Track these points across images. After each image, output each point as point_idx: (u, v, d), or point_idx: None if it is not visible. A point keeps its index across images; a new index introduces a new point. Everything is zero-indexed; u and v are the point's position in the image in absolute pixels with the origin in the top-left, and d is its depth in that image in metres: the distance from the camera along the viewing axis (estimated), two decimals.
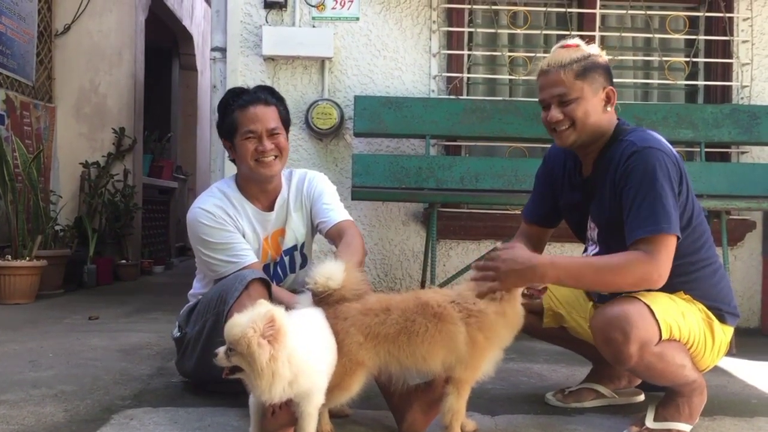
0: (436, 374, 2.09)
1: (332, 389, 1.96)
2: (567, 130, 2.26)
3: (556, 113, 2.25)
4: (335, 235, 2.62)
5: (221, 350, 1.80)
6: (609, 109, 2.29)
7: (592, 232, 2.40)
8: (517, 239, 2.62)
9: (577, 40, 2.32)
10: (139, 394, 2.64)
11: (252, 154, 2.55)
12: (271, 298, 2.34)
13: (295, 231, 2.73)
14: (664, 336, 2.10)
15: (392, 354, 2.01)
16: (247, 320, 1.76)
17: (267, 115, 2.58)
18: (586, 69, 2.23)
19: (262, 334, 1.73)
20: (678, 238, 2.10)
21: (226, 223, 2.56)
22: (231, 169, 2.81)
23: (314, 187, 2.75)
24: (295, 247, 2.75)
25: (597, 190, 2.31)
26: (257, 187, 2.67)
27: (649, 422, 2.22)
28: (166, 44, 9.28)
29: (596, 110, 2.25)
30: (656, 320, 2.08)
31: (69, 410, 2.41)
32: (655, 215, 2.08)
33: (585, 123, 2.24)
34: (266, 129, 2.56)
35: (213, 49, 4.47)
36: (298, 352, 1.79)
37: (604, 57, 2.30)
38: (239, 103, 2.58)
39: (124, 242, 6.70)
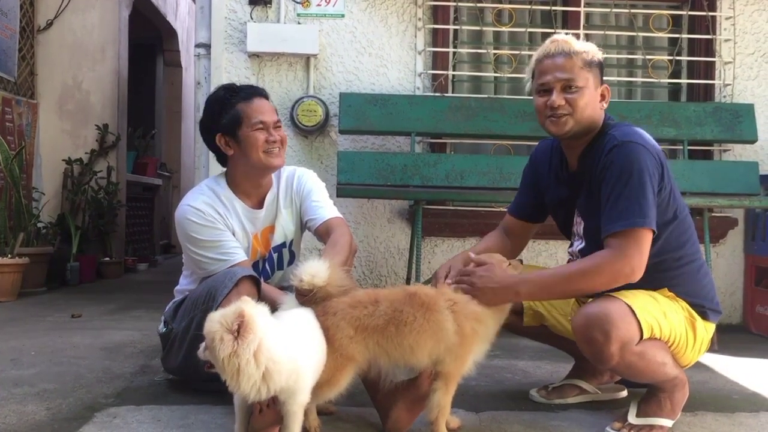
0: (423, 366, 2.10)
1: (321, 385, 1.96)
2: (565, 117, 2.24)
3: (558, 98, 2.23)
4: (324, 233, 2.61)
5: (203, 344, 1.81)
6: (604, 105, 2.32)
7: (578, 226, 2.42)
8: (496, 232, 2.64)
9: (572, 37, 2.33)
10: (122, 392, 2.63)
11: (263, 145, 2.54)
12: (261, 296, 2.33)
13: (285, 228, 2.73)
14: (645, 335, 2.11)
15: (381, 345, 2.01)
16: (220, 315, 1.77)
17: (270, 108, 2.60)
18: (592, 61, 2.26)
19: (229, 329, 1.73)
20: (654, 232, 2.12)
21: (215, 221, 2.55)
22: (215, 166, 2.79)
23: (303, 185, 2.74)
24: (284, 244, 2.75)
25: (583, 184, 2.32)
26: (251, 183, 2.66)
27: (632, 418, 2.24)
28: (150, 40, 9.20)
29: (594, 104, 2.27)
30: (637, 320, 2.09)
31: (51, 408, 2.39)
32: (629, 209, 2.10)
33: (584, 113, 2.24)
34: (272, 120, 2.57)
35: (197, 46, 4.44)
36: (269, 348, 1.76)
37: (600, 56, 2.32)
38: (241, 96, 2.57)
39: (108, 240, 6.65)
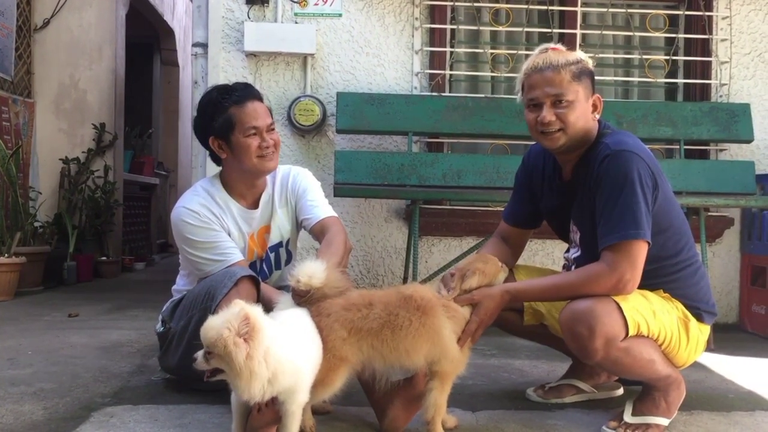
0: (419, 369, 2.10)
1: (316, 385, 1.96)
2: (557, 133, 2.23)
3: (549, 114, 2.21)
4: (319, 232, 2.62)
5: (199, 354, 1.80)
6: (597, 116, 2.29)
7: (575, 235, 2.41)
8: (495, 240, 2.64)
9: (561, 46, 2.31)
10: (119, 391, 2.63)
11: (256, 151, 2.53)
12: (260, 296, 2.33)
13: (281, 227, 2.73)
14: (632, 332, 2.10)
15: (375, 348, 2.01)
16: (221, 321, 1.76)
17: (263, 111, 2.58)
18: (581, 73, 2.23)
19: (238, 333, 1.73)
20: (648, 243, 2.11)
21: (211, 222, 2.54)
22: (212, 165, 2.79)
23: (299, 184, 2.74)
24: (280, 244, 2.75)
25: (578, 194, 2.31)
26: (245, 185, 2.65)
27: (627, 417, 2.24)
28: (147, 39, 9.20)
29: (586, 116, 2.25)
30: (623, 316, 2.09)
31: (48, 408, 2.39)
32: (623, 221, 2.10)
33: (576, 127, 2.22)
34: (266, 124, 2.55)
35: (194, 45, 4.44)
36: (275, 350, 1.78)
37: (591, 64, 2.30)
38: (234, 99, 2.54)
39: (105, 239, 6.65)
